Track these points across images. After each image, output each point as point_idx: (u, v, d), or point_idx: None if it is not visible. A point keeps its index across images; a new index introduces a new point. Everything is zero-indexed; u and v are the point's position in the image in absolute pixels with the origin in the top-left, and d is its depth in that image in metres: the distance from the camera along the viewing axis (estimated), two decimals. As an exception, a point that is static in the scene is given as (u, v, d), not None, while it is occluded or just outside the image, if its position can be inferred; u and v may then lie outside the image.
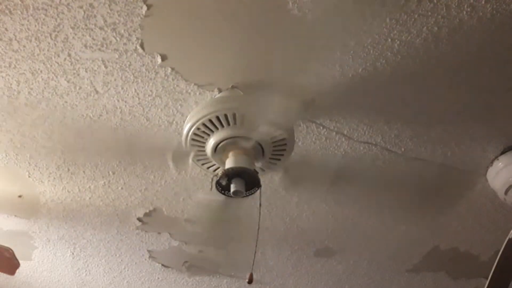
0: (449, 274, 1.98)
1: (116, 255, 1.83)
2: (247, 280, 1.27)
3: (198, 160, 1.29)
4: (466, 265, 1.92)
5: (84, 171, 1.42)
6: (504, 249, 1.24)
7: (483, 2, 0.98)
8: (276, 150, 1.25)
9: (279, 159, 1.28)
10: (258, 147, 1.22)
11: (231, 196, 1.19)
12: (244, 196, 1.20)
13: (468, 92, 1.19)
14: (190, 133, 1.20)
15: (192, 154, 1.27)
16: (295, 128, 1.27)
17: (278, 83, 1.16)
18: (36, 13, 0.99)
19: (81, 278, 1.98)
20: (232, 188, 1.16)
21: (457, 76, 1.15)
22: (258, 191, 1.22)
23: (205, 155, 1.26)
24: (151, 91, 1.18)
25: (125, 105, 1.21)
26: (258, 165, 1.28)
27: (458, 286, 2.04)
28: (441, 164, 1.41)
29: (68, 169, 1.41)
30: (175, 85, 1.16)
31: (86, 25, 1.02)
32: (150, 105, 1.22)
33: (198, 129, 1.19)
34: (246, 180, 1.17)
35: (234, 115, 1.16)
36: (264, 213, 1.58)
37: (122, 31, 1.03)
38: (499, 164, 1.38)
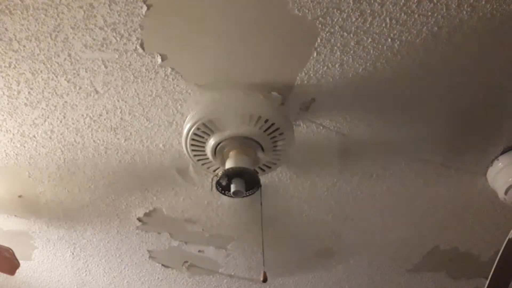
0: (449, 274, 1.98)
1: (116, 255, 1.83)
2: (261, 279, 1.27)
3: (198, 160, 1.29)
4: (466, 265, 1.92)
5: (84, 171, 1.42)
6: (504, 249, 1.24)
7: (483, 2, 0.98)
8: (275, 141, 1.23)
9: (283, 148, 1.25)
10: (253, 142, 1.20)
11: (231, 196, 1.19)
12: (244, 196, 1.20)
13: (468, 92, 1.19)
14: (190, 133, 1.21)
15: (191, 164, 1.26)
16: (295, 128, 1.27)
17: (278, 83, 1.16)
18: (36, 13, 0.99)
19: (81, 278, 1.98)
20: (232, 188, 1.17)
21: (457, 76, 1.15)
22: (258, 191, 1.22)
23: (205, 155, 1.26)
24: (151, 91, 1.18)
25: (125, 105, 1.21)
26: (265, 160, 1.27)
27: (458, 286, 2.04)
28: (441, 164, 1.41)
29: (68, 169, 1.41)
30: (175, 85, 1.16)
31: (86, 25, 1.02)
32: (150, 105, 1.22)
33: (198, 129, 1.19)
34: (246, 180, 1.18)
35: (234, 115, 1.16)
36: (264, 213, 1.58)
37: (122, 31, 1.03)
38: (499, 164, 1.38)
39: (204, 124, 1.17)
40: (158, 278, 1.99)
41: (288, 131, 1.21)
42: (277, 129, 1.19)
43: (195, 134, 1.20)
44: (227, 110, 1.17)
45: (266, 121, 1.17)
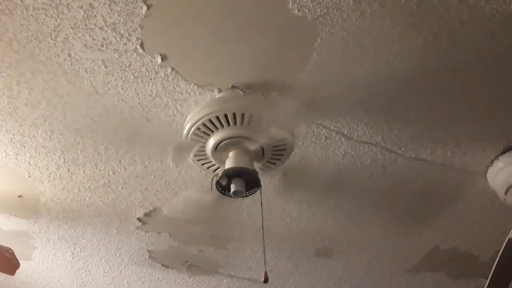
0: (449, 274, 1.98)
1: (116, 255, 1.83)
2: (262, 280, 1.27)
3: (198, 160, 1.29)
4: (466, 265, 1.92)
5: (84, 171, 1.42)
6: (504, 249, 1.24)
7: (483, 2, 0.98)
8: (276, 153, 1.26)
9: (277, 162, 1.29)
10: (260, 148, 1.22)
11: (231, 196, 1.19)
12: (244, 196, 1.20)
13: (468, 92, 1.19)
14: (190, 133, 1.21)
15: (193, 151, 1.27)
16: (295, 128, 1.27)
17: (278, 83, 1.16)
18: (36, 13, 0.99)
19: (81, 278, 1.98)
20: (232, 188, 1.17)
21: (456, 76, 1.15)
22: (258, 191, 1.22)
23: (205, 155, 1.26)
24: (151, 91, 1.18)
25: (125, 105, 1.21)
26: (255, 166, 1.29)
27: (458, 286, 2.04)
28: (441, 164, 1.41)
29: (68, 169, 1.41)
30: (175, 85, 1.16)
31: (86, 25, 1.02)
32: (150, 105, 1.21)
33: (198, 129, 1.19)
34: (246, 180, 1.18)
35: (234, 115, 1.16)
36: (264, 213, 1.58)
37: (122, 31, 1.03)
38: (499, 164, 1.38)
39: (214, 119, 1.17)
40: (158, 278, 1.99)
41: (290, 151, 1.26)
42: (284, 145, 1.23)
43: (195, 134, 1.20)
44: (273, 113, 1.18)
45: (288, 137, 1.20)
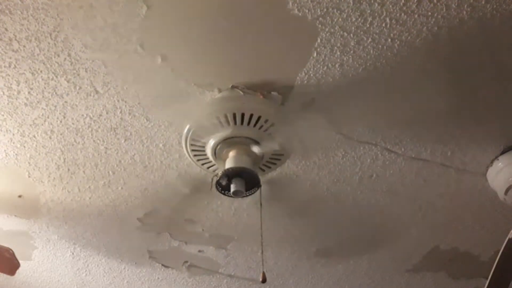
0: (449, 274, 1.98)
1: (116, 255, 1.83)
2: (260, 280, 1.27)
3: (198, 160, 1.29)
4: (466, 265, 1.92)
5: (84, 171, 1.42)
6: (504, 249, 1.24)
7: (483, 2, 0.98)
8: (274, 157, 1.27)
9: (271, 166, 1.30)
10: (249, 141, 1.22)
11: (231, 196, 1.19)
12: (244, 196, 1.21)
13: (468, 92, 1.19)
14: (190, 133, 1.21)
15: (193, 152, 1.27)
16: (295, 128, 1.27)
17: (278, 83, 1.16)
18: (36, 13, 0.99)
19: (81, 278, 1.98)
20: (232, 188, 1.17)
21: (457, 76, 1.15)
22: (258, 191, 1.22)
23: (205, 155, 1.26)
24: (151, 91, 1.18)
25: (125, 105, 1.21)
26: (267, 155, 1.30)
27: (458, 286, 2.04)
28: (441, 164, 1.41)
29: (68, 169, 1.41)
30: (175, 85, 1.16)
31: (86, 25, 1.02)
32: (150, 105, 1.21)
33: (198, 129, 1.19)
34: (246, 180, 1.18)
35: (234, 115, 1.16)
36: (264, 213, 1.58)
37: (122, 31, 1.03)
38: (499, 164, 1.38)
39: (214, 119, 1.17)
40: (158, 278, 1.99)
41: (281, 124, 1.23)
42: (272, 124, 1.20)
43: (195, 134, 1.21)
44: (219, 112, 1.17)
45: (259, 118, 1.17)
